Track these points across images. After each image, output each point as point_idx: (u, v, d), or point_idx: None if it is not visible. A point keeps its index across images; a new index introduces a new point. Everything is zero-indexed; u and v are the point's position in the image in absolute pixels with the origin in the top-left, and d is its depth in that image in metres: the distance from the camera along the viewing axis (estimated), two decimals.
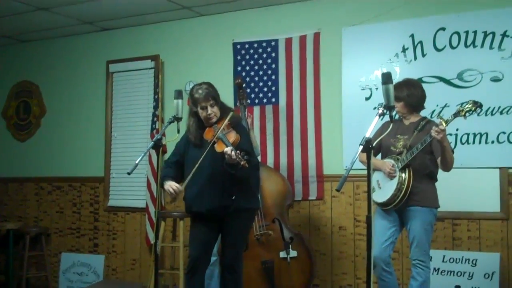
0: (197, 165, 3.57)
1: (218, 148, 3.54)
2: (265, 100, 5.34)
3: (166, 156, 5.26)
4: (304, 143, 5.14)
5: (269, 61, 5.35)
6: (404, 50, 4.80)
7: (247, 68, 5.45)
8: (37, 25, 6.06)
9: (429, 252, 3.75)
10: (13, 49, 6.85)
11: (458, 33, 4.60)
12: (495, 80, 4.47)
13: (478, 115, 3.45)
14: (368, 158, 2.91)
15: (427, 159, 3.70)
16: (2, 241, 6.12)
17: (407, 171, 3.67)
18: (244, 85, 5.03)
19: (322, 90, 5.12)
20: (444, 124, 3.41)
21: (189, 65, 5.75)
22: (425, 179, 3.73)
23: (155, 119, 5.62)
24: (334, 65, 5.05)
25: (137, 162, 3.53)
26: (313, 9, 5.20)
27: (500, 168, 4.45)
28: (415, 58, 4.75)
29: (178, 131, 3.80)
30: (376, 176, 3.83)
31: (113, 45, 6.20)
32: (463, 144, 4.55)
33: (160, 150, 3.77)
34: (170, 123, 3.80)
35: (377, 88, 4.83)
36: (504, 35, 4.45)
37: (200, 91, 3.73)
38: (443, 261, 4.55)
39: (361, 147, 2.83)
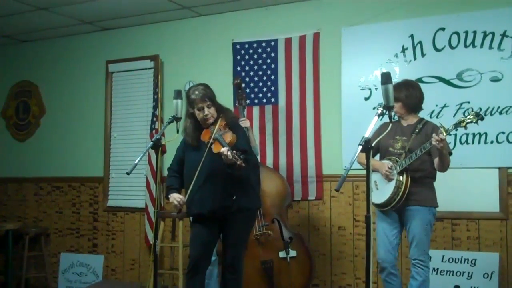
0: (198, 170, 3.59)
1: (215, 149, 3.55)
2: (264, 100, 5.34)
3: (166, 156, 5.29)
4: (303, 143, 5.14)
5: (268, 61, 5.36)
6: (403, 50, 4.80)
7: (247, 68, 5.45)
8: (36, 25, 6.06)
9: (428, 251, 3.76)
10: (12, 49, 6.84)
11: (457, 33, 4.60)
12: (495, 80, 4.47)
13: (477, 122, 3.47)
14: (367, 158, 2.91)
15: (425, 160, 3.71)
16: (1, 242, 6.11)
17: (405, 174, 3.69)
18: (243, 85, 5.03)
19: (321, 90, 5.12)
20: (445, 133, 3.43)
21: (189, 65, 5.75)
22: (423, 179, 3.74)
23: (155, 119, 5.62)
24: (333, 65, 5.05)
25: (136, 162, 3.53)
26: (312, 9, 5.21)
27: (499, 168, 4.45)
28: (415, 58, 4.76)
29: (178, 131, 3.81)
30: (374, 177, 3.83)
31: (112, 45, 6.20)
32: (462, 144, 4.55)
33: (159, 150, 3.78)
34: (169, 123, 3.80)
35: (376, 88, 4.83)
36: (503, 35, 4.45)
37: (196, 92, 3.74)
38: (442, 261, 4.56)
39: (360, 147, 2.84)
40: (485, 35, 4.51)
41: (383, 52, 4.86)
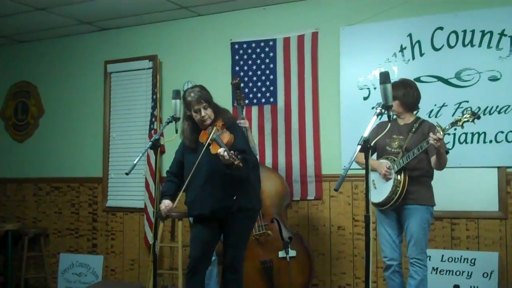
0: (192, 170, 3.61)
1: (213, 149, 3.56)
2: (263, 100, 5.34)
3: (165, 156, 5.29)
4: (302, 143, 5.14)
5: (267, 60, 5.35)
6: (402, 49, 4.80)
7: (245, 68, 5.45)
8: (35, 25, 6.05)
9: (426, 250, 3.78)
10: (11, 49, 6.84)
11: (456, 33, 4.60)
12: (493, 79, 4.47)
13: (473, 121, 3.48)
14: (366, 157, 2.92)
15: (422, 159, 3.72)
16: (0, 242, 6.12)
17: (402, 173, 3.70)
18: (242, 85, 5.02)
19: (320, 89, 5.12)
20: (442, 133, 3.44)
21: (187, 65, 5.75)
22: (421, 178, 3.76)
23: (153, 119, 5.62)
24: (332, 65, 5.05)
25: (135, 162, 3.54)
26: (311, 9, 5.20)
27: (498, 167, 4.45)
28: (413, 58, 4.75)
29: (176, 131, 3.81)
30: (371, 176, 3.82)
31: (111, 45, 6.19)
32: (461, 143, 4.55)
33: (158, 150, 3.79)
34: (168, 123, 3.80)
35: (375, 88, 4.83)
36: (501, 34, 4.45)
37: (192, 94, 3.74)
38: (441, 261, 4.56)
39: (359, 146, 2.84)
40: (483, 34, 4.51)
41: (381, 52, 4.86)
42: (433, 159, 3.69)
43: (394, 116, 3.89)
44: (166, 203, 3.81)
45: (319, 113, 5.11)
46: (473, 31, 4.54)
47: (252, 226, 4.07)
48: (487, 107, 4.46)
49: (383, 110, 3.05)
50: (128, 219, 5.98)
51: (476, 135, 4.49)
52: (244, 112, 4.87)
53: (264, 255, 4.65)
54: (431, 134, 3.46)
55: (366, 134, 2.90)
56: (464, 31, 4.57)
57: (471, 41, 4.55)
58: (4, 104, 6.88)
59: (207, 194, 3.68)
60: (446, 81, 4.62)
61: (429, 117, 4.57)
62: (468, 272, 4.45)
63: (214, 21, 5.66)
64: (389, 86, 2.95)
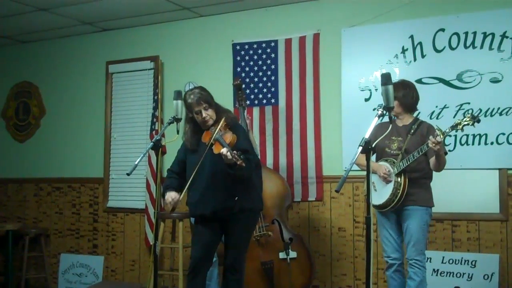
0: (196, 169, 3.60)
1: (216, 149, 3.56)
2: (264, 101, 5.34)
3: (166, 157, 5.29)
4: (303, 144, 5.14)
5: (268, 62, 5.36)
6: (403, 51, 4.80)
7: (247, 69, 5.45)
8: (36, 26, 6.06)
9: (425, 251, 3.79)
10: (12, 50, 6.85)
11: (457, 34, 4.60)
12: (495, 81, 4.47)
13: (473, 125, 3.49)
14: (368, 159, 2.92)
15: (422, 161, 3.73)
16: (1, 242, 6.12)
17: (402, 176, 3.72)
18: (243, 86, 5.02)
19: (321, 91, 5.12)
20: (441, 136, 3.45)
21: (189, 66, 5.75)
22: (420, 179, 3.77)
23: (155, 120, 5.62)
24: (333, 66, 5.05)
25: (136, 163, 3.53)
26: (312, 10, 5.21)
27: (499, 169, 4.45)
28: (415, 59, 4.75)
29: (178, 132, 3.81)
30: (371, 178, 3.83)
31: (112, 45, 6.20)
32: (462, 145, 4.55)
33: (159, 151, 3.77)
34: (169, 123, 3.80)
35: (376, 89, 4.83)
36: (503, 36, 4.45)
37: (192, 96, 3.74)
38: (442, 262, 4.55)
39: (361, 148, 2.84)
40: (485, 36, 4.50)
41: (383, 53, 4.86)
42: (432, 160, 3.70)
43: (394, 117, 3.89)
44: (172, 195, 3.73)
45: (321, 114, 5.11)
46: (474, 33, 4.54)
47: (253, 227, 4.06)
48: (488, 109, 4.46)
49: (384, 112, 3.05)
50: (129, 219, 5.98)
51: (477, 137, 4.48)
52: (245, 113, 4.88)
53: (265, 256, 4.65)
54: (430, 138, 3.47)
55: (367, 135, 2.90)
56: (466, 33, 4.57)
57: (472, 43, 4.55)
58: (5, 104, 6.89)
59: (209, 195, 3.68)
60: (447, 83, 4.62)
61: (430, 118, 4.57)
62: (469, 274, 4.44)
63: (216, 22, 5.66)
64: (390, 87, 2.95)
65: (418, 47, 4.74)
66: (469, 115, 3.49)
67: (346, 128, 4.95)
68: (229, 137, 3.61)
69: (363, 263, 4.48)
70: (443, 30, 4.65)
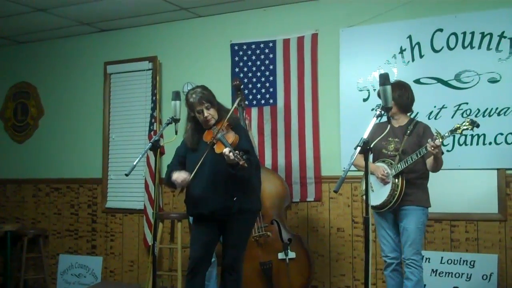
0: (197, 166, 3.57)
1: (218, 149, 3.55)
2: (263, 101, 5.34)
3: (164, 158, 5.28)
4: (302, 144, 5.14)
5: (267, 62, 5.36)
6: (401, 51, 4.80)
7: (245, 69, 5.45)
8: (34, 26, 6.05)
9: (421, 251, 3.80)
10: (10, 50, 6.84)
11: (455, 34, 4.60)
12: (493, 81, 4.47)
13: (472, 130, 3.50)
14: (366, 159, 2.92)
15: (418, 162, 3.74)
16: (0, 243, 6.11)
17: (400, 177, 3.73)
18: (242, 86, 5.02)
19: (320, 91, 5.12)
20: (440, 140, 3.46)
21: (187, 66, 5.75)
22: (417, 180, 3.79)
23: (153, 120, 5.62)
24: (331, 66, 5.05)
25: (135, 163, 3.53)
26: (310, 10, 5.21)
27: (497, 169, 4.45)
28: (413, 59, 4.76)
29: (176, 133, 3.80)
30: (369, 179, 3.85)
31: (110, 46, 6.20)
32: (460, 145, 4.55)
33: (158, 152, 3.77)
34: (168, 124, 3.80)
35: (374, 89, 4.83)
36: (501, 36, 4.45)
37: (194, 96, 3.73)
38: (441, 263, 4.56)
39: (359, 148, 2.85)
40: (483, 36, 4.51)
41: (381, 53, 4.86)
42: (428, 161, 3.72)
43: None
44: (183, 174, 3.64)
45: (319, 114, 5.11)
46: (472, 33, 4.54)
47: (251, 228, 4.06)
48: (486, 109, 4.46)
49: (382, 112, 3.06)
50: (128, 220, 5.98)
51: (476, 137, 4.49)
52: (244, 113, 4.88)
53: (264, 256, 4.65)
54: (429, 141, 3.48)
55: (365, 136, 2.90)
56: (464, 33, 4.57)
57: (470, 43, 4.55)
58: (3, 105, 6.88)
59: (208, 194, 3.67)
60: (445, 83, 4.62)
61: (429, 119, 4.57)
62: (468, 274, 4.44)
63: (214, 23, 5.66)
64: (388, 87, 2.96)
65: (416, 47, 4.74)
66: (469, 119, 3.50)
67: (345, 128, 4.95)
68: (231, 137, 3.61)
69: (362, 263, 4.47)
70: (441, 30, 4.65)
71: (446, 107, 4.59)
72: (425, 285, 3.96)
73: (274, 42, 5.33)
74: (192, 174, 3.61)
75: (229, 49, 5.53)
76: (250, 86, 5.40)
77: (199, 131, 3.79)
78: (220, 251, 3.93)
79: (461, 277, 4.46)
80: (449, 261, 4.53)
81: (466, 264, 4.47)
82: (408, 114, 3.99)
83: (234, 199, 3.65)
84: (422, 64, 4.71)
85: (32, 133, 6.64)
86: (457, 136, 4.53)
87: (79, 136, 6.31)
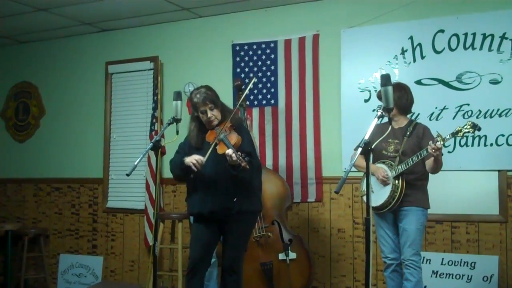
0: (201, 170, 3.56)
1: (220, 150, 3.55)
2: (264, 102, 5.34)
3: (165, 158, 5.28)
4: (303, 145, 5.14)
5: (268, 62, 5.36)
6: (403, 52, 4.80)
7: (246, 69, 5.45)
8: (36, 26, 6.06)
9: (420, 252, 3.80)
10: (12, 50, 6.84)
11: (457, 35, 4.60)
12: (494, 82, 4.47)
13: (474, 133, 3.51)
14: (367, 160, 2.92)
15: (418, 163, 3.75)
16: (0, 242, 6.12)
17: (400, 178, 3.74)
18: (243, 87, 5.02)
19: (321, 91, 5.12)
20: (442, 142, 3.47)
21: (188, 66, 5.75)
22: (417, 181, 3.80)
23: (154, 120, 5.62)
24: (333, 67, 5.05)
25: (136, 163, 3.53)
26: (312, 11, 5.21)
27: (499, 170, 4.45)
28: (414, 60, 4.75)
29: (177, 133, 3.80)
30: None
31: (112, 46, 6.20)
32: (462, 146, 4.55)
33: (159, 152, 3.77)
34: (169, 124, 3.79)
35: (376, 90, 4.82)
36: (503, 37, 4.45)
37: (198, 96, 3.72)
38: (441, 264, 4.55)
39: (360, 149, 2.85)
40: (484, 37, 4.51)
41: (382, 54, 4.86)
42: (428, 162, 3.73)
43: (385, 119, 3.91)
44: (196, 156, 3.58)
45: (320, 115, 5.11)
46: (474, 34, 4.54)
47: (252, 228, 4.06)
48: (487, 110, 4.46)
49: (383, 113, 3.06)
50: (128, 220, 5.98)
51: (477, 138, 4.48)
52: (245, 114, 4.88)
53: (264, 257, 4.64)
54: (430, 143, 3.49)
55: (367, 136, 2.90)
56: (465, 34, 4.57)
57: (472, 44, 4.55)
58: (5, 104, 6.89)
59: (209, 194, 3.67)
60: (447, 84, 4.62)
61: (430, 120, 4.57)
62: (468, 276, 4.44)
63: (216, 23, 5.66)
64: (390, 88, 2.96)
65: (418, 48, 4.74)
66: (470, 122, 3.51)
67: (346, 129, 4.95)
68: (234, 138, 3.60)
69: (363, 264, 4.47)
70: (442, 31, 4.65)
71: (447, 108, 4.59)
72: (425, 286, 3.96)
73: (275, 42, 5.33)
74: (205, 157, 3.55)
75: (230, 49, 5.53)
76: (251, 86, 5.39)
77: (203, 131, 3.79)
78: (220, 252, 3.93)
79: (462, 278, 4.46)
80: (450, 263, 4.53)
81: (467, 266, 4.46)
82: (408, 115, 3.99)
83: (235, 200, 3.66)
84: (423, 65, 4.70)
85: (33, 132, 6.65)
86: (458, 137, 4.52)
87: (80, 135, 6.31)
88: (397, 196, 3.72)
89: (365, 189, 3.82)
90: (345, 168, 4.77)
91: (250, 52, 5.43)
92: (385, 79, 2.96)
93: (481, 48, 4.52)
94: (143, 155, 3.63)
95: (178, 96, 3.81)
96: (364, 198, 3.86)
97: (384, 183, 3.77)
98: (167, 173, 4.00)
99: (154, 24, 5.95)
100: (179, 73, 5.77)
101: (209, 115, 3.71)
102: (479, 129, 3.49)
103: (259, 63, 5.39)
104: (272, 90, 5.32)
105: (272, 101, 5.31)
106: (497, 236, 4.44)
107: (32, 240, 6.10)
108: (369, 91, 4.90)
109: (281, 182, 4.91)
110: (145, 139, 5.78)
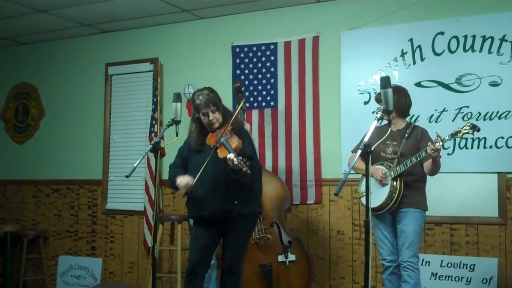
0: (200, 171, 3.56)
1: (221, 153, 3.54)
2: (263, 104, 5.34)
3: (165, 159, 5.28)
4: (302, 147, 5.14)
5: (268, 64, 5.36)
6: (403, 54, 4.80)
7: (246, 71, 5.45)
8: (36, 27, 6.06)
9: (418, 254, 3.80)
10: (12, 51, 6.84)
11: (457, 38, 4.60)
12: (494, 84, 4.47)
13: (473, 134, 3.52)
14: (367, 162, 2.92)
15: (416, 164, 3.75)
16: (0, 244, 6.11)
17: (398, 180, 3.74)
18: (243, 88, 5.02)
19: (320, 93, 5.12)
20: (441, 143, 3.47)
21: (188, 68, 5.75)
22: (415, 182, 3.80)
23: (154, 122, 5.62)
24: (333, 69, 5.05)
25: (135, 165, 3.53)
26: (312, 13, 5.21)
27: (498, 173, 4.44)
28: (414, 63, 4.75)
29: (177, 134, 3.80)
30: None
31: (112, 47, 6.20)
32: (461, 148, 4.55)
33: (158, 153, 3.77)
34: (168, 126, 3.79)
35: (375, 92, 4.82)
36: (502, 39, 4.45)
37: (200, 97, 3.71)
38: (441, 266, 4.55)
39: (359, 151, 2.85)
40: (484, 39, 4.51)
41: (382, 56, 4.86)
42: (426, 164, 3.73)
43: (384, 122, 3.91)
44: (187, 178, 3.62)
45: (320, 117, 5.11)
46: (474, 36, 4.54)
47: (252, 230, 4.05)
48: (487, 112, 4.46)
49: (383, 115, 3.06)
50: (128, 222, 5.97)
51: (476, 140, 4.48)
52: (245, 116, 4.88)
53: (263, 259, 4.64)
54: (429, 144, 3.50)
55: (366, 139, 2.90)
56: (465, 36, 4.57)
57: (472, 46, 4.55)
58: (4, 105, 6.89)
59: (209, 197, 3.67)
60: (446, 86, 4.62)
61: (429, 122, 4.57)
62: (467, 278, 4.44)
63: (216, 25, 5.66)
64: (390, 91, 2.96)
65: (418, 50, 4.74)
66: (470, 123, 3.52)
67: (345, 131, 4.95)
68: (235, 142, 3.59)
69: (362, 266, 4.46)
70: (442, 33, 4.65)
71: (447, 111, 4.59)
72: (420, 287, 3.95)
73: (275, 44, 5.33)
74: (196, 179, 3.59)
75: (230, 51, 5.53)
76: (251, 88, 5.40)
77: (204, 133, 3.78)
78: (220, 254, 3.92)
79: (461, 280, 4.46)
80: (449, 265, 4.53)
81: (466, 268, 4.46)
82: (405, 118, 4.00)
83: (235, 202, 3.65)
84: (423, 67, 4.71)
85: (33, 134, 6.65)
86: (457, 139, 4.53)
87: (79, 137, 6.31)
88: (395, 197, 3.72)
89: (364, 191, 3.83)
90: (344, 170, 4.77)
91: (250, 54, 5.44)
92: (385, 81, 2.96)
93: (481, 50, 4.52)
94: (143, 157, 3.63)
95: (178, 97, 3.81)
96: (362, 199, 3.88)
97: (382, 183, 3.77)
98: (167, 175, 4.00)
99: (154, 26, 5.95)
100: (179, 74, 5.77)
101: (210, 117, 3.71)
102: (478, 130, 3.49)
103: (259, 65, 5.39)
104: (272, 92, 5.32)
105: (272, 103, 5.31)
106: (496, 238, 4.44)
107: (31, 241, 6.10)
108: (369, 93, 4.91)
109: (280, 184, 4.90)
110: (144, 140, 5.78)
